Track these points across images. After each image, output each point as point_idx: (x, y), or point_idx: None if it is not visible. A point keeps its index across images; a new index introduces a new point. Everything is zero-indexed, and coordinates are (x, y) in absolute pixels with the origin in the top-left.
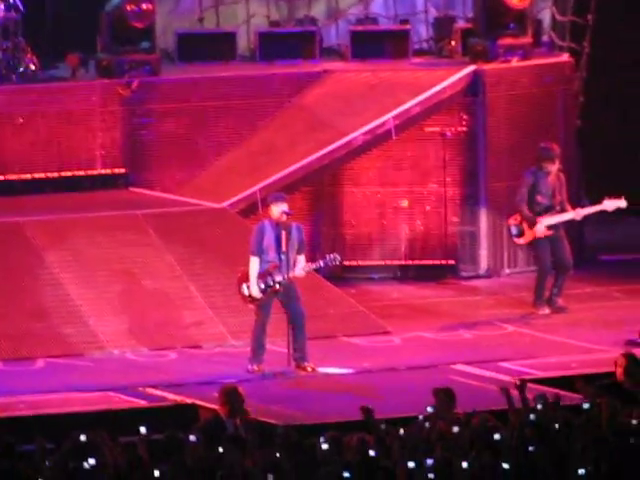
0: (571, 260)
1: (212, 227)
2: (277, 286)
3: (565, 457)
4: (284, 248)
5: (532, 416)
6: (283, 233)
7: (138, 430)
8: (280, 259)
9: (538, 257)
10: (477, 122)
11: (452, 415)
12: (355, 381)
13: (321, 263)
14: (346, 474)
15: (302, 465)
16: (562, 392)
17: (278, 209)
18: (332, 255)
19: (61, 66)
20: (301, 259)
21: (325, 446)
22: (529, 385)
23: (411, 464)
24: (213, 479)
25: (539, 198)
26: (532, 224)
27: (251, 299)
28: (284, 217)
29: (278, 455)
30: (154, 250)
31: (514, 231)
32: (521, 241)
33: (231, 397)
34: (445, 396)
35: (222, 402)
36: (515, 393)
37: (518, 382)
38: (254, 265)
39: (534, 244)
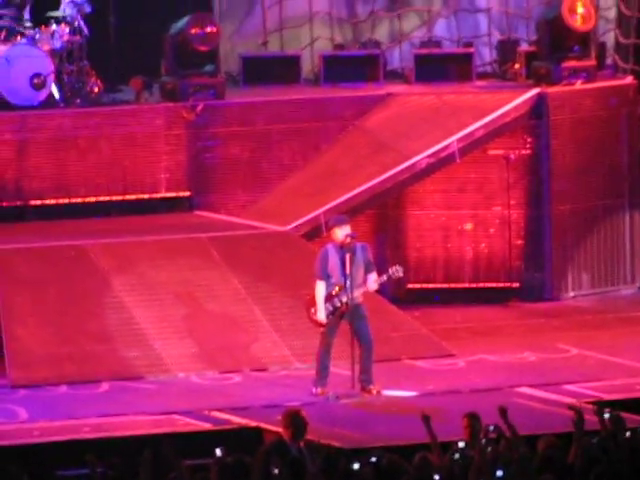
0: None
1: (276, 250)
2: (344, 306)
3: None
4: (348, 270)
5: (596, 439)
6: (347, 255)
7: (212, 452)
8: (345, 280)
9: None
10: (541, 145)
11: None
12: (419, 404)
13: (384, 277)
14: None
15: None
16: (627, 414)
17: (342, 232)
18: (395, 267)
19: (125, 89)
20: (372, 277)
21: (356, 466)
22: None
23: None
24: None
25: None
26: None
27: (319, 323)
28: (348, 239)
29: None
30: (219, 273)
31: None
32: None
33: (294, 420)
34: (474, 420)
35: (285, 425)
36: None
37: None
38: (320, 289)
39: None
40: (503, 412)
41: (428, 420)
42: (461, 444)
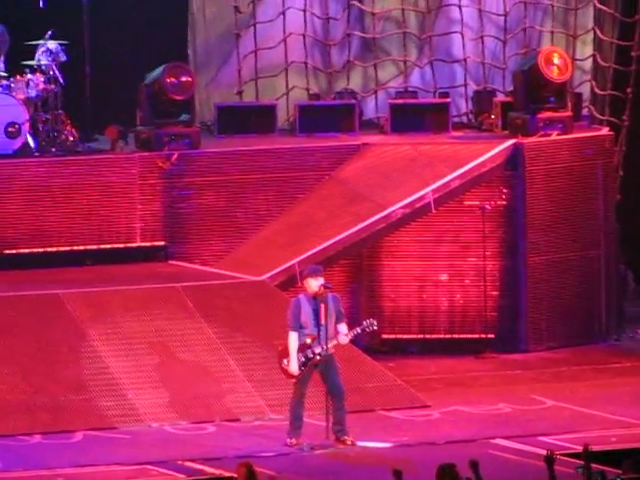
0: None
1: (251, 300)
2: (317, 357)
3: None
4: (323, 321)
5: None
6: (322, 306)
7: None
8: (319, 331)
9: None
10: (517, 196)
11: None
12: (394, 455)
13: (358, 330)
14: None
15: None
16: (602, 467)
17: (316, 283)
18: (369, 320)
19: (101, 139)
20: (342, 327)
21: None
22: (569, 460)
23: None
24: None
25: None
26: None
27: (291, 374)
28: (322, 290)
29: None
30: (193, 323)
31: None
32: None
33: (247, 474)
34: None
35: None
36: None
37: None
38: (293, 340)
39: None
40: (474, 466)
41: (400, 475)
42: None
